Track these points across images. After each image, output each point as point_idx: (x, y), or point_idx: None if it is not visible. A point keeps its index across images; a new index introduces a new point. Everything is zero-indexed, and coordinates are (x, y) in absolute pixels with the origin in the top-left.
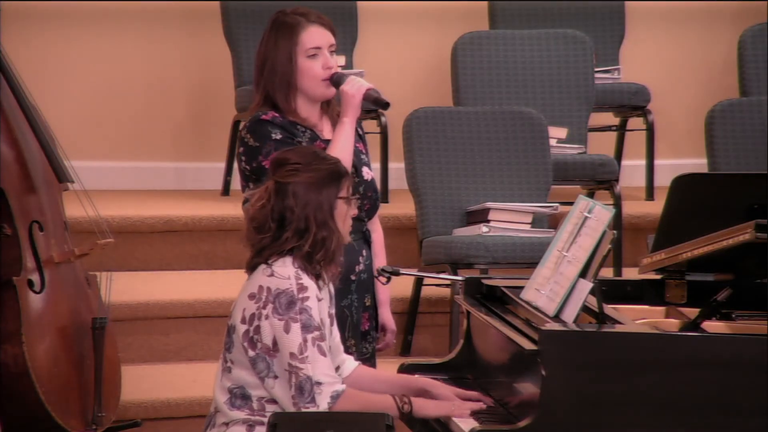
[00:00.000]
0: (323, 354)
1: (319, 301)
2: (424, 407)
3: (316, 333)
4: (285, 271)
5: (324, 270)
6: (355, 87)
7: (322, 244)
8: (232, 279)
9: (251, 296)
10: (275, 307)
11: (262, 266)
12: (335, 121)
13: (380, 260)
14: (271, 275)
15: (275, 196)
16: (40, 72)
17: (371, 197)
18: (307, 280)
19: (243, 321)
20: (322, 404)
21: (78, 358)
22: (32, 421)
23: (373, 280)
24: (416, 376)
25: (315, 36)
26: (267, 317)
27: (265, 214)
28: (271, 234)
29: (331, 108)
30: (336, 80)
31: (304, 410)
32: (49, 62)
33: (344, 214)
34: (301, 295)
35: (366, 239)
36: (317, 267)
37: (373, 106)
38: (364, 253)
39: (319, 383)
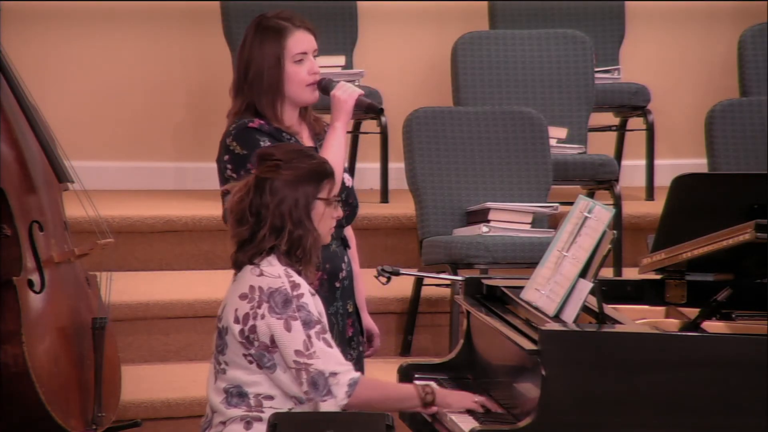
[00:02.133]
0: (330, 346)
1: (312, 295)
2: (447, 398)
3: (318, 326)
4: (274, 270)
5: (303, 270)
6: (347, 92)
7: (298, 243)
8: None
9: (243, 296)
10: (271, 306)
11: (249, 267)
12: (312, 127)
13: (357, 265)
14: (261, 275)
15: (254, 190)
16: (40, 72)
17: (352, 204)
18: (297, 277)
19: (236, 321)
20: (340, 394)
21: (78, 358)
22: (32, 421)
23: (353, 285)
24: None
25: (301, 41)
26: (263, 317)
27: (243, 208)
28: (249, 227)
29: (309, 114)
30: (324, 86)
31: (321, 404)
32: (49, 62)
33: (322, 214)
34: (295, 293)
35: (345, 245)
36: (297, 265)
37: (367, 112)
38: (346, 259)
39: (334, 373)
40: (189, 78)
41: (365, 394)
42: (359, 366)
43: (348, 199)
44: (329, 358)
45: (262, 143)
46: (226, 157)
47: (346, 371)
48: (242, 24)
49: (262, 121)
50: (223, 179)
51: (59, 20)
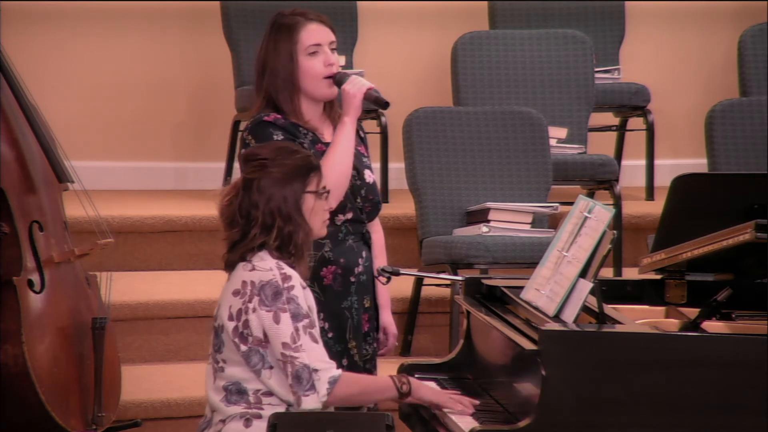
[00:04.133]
0: (315, 341)
1: (303, 288)
2: (421, 390)
3: (306, 321)
4: (265, 264)
5: (296, 264)
6: (356, 86)
7: (289, 239)
8: None
9: (236, 293)
10: (261, 299)
11: (242, 263)
12: (337, 124)
13: (380, 261)
14: (253, 269)
15: (243, 191)
16: (40, 72)
17: (372, 200)
18: (289, 270)
19: (230, 318)
20: (321, 390)
21: (78, 358)
22: (32, 421)
23: (373, 281)
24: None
25: (314, 33)
26: (254, 310)
27: (233, 210)
28: (240, 229)
29: (333, 111)
30: (338, 80)
31: (303, 398)
32: (49, 62)
33: (312, 207)
34: (286, 285)
35: (365, 241)
36: (290, 259)
37: (374, 105)
38: (364, 254)
39: (316, 370)
40: (189, 78)
41: (345, 391)
42: (372, 363)
43: (368, 196)
44: (313, 352)
45: (275, 137)
46: (243, 150)
47: (327, 369)
48: (242, 24)
49: (278, 116)
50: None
51: (59, 20)
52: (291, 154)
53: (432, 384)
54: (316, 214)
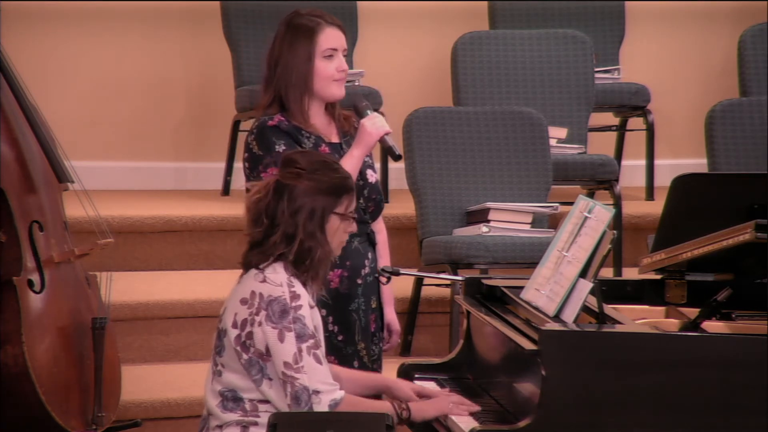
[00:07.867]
0: (319, 362)
1: (311, 308)
2: (422, 410)
3: (311, 341)
4: (277, 278)
5: (310, 283)
6: (375, 126)
7: (307, 254)
8: (232, 279)
9: (243, 301)
10: (268, 314)
11: (254, 271)
12: (341, 124)
13: (384, 260)
14: (263, 281)
15: (273, 193)
16: (40, 72)
17: (375, 199)
18: (299, 288)
19: (234, 326)
20: None
21: (78, 358)
22: (32, 421)
23: (378, 281)
24: (379, 374)
25: (332, 38)
26: (260, 324)
27: (260, 209)
28: (263, 230)
29: (337, 111)
30: (359, 110)
31: None
32: (49, 62)
33: (336, 229)
34: (294, 304)
35: (371, 241)
36: (304, 276)
37: (385, 151)
38: (370, 255)
39: (317, 392)
40: (189, 78)
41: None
42: (378, 364)
43: (371, 195)
44: (315, 374)
45: (277, 147)
46: (246, 155)
47: (329, 391)
48: (242, 24)
49: (282, 118)
50: (245, 176)
51: (59, 20)
52: (330, 171)
53: (432, 384)
54: (338, 236)
